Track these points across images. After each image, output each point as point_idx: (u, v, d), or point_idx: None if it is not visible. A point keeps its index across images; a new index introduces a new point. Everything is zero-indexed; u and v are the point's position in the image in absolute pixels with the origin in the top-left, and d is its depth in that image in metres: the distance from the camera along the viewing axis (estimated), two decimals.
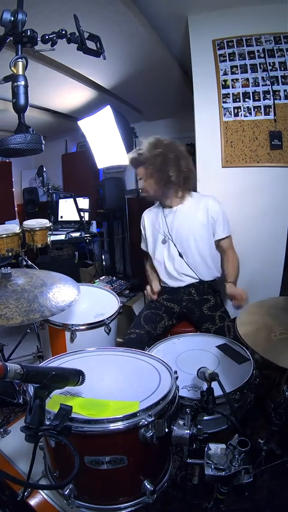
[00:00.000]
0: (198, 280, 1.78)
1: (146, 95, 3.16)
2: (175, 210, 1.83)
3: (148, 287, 1.90)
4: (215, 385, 0.96)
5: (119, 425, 0.76)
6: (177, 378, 0.96)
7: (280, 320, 1.14)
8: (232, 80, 1.99)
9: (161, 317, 1.74)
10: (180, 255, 1.78)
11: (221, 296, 1.85)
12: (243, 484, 0.84)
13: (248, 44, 1.94)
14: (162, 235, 1.84)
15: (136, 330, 1.65)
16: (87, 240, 3.28)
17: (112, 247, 3.97)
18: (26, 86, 0.93)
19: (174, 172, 1.73)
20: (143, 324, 1.68)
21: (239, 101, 1.99)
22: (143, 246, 2.03)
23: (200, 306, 1.73)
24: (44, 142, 0.98)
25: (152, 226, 1.92)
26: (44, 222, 2.34)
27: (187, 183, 1.81)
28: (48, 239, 2.38)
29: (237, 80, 1.98)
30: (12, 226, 2.23)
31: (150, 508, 0.86)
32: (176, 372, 0.97)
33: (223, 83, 2.00)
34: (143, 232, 2.01)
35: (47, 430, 0.70)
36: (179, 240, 1.79)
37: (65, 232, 3.20)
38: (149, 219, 1.95)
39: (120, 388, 0.95)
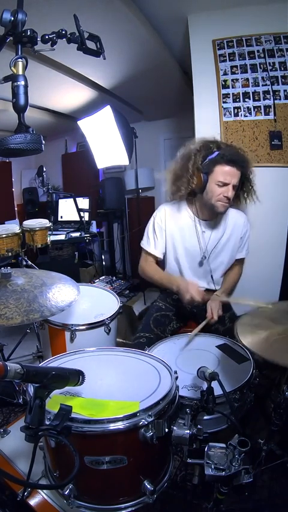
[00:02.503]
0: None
1: (146, 95, 3.17)
2: (213, 225, 1.65)
3: (191, 289, 1.51)
4: (215, 384, 0.96)
5: (119, 425, 0.76)
6: (177, 377, 0.95)
7: (280, 324, 1.14)
8: (232, 80, 1.99)
9: (170, 319, 1.70)
10: (212, 278, 1.68)
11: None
12: (243, 484, 0.84)
13: (248, 44, 1.94)
14: (200, 256, 1.64)
15: (146, 334, 1.59)
16: (87, 240, 3.28)
17: (112, 247, 3.98)
18: (26, 86, 0.93)
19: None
20: (153, 327, 1.63)
21: (239, 101, 1.99)
22: (148, 247, 1.73)
23: None
24: (44, 142, 0.97)
25: (181, 237, 1.66)
26: (44, 222, 2.34)
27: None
28: (48, 239, 2.38)
29: (237, 80, 1.98)
30: (12, 226, 2.23)
31: (150, 508, 0.86)
32: (176, 372, 0.97)
33: (223, 83, 2.00)
34: (156, 234, 1.70)
35: (47, 430, 0.70)
36: (214, 262, 1.67)
37: (65, 232, 3.20)
38: (176, 224, 1.66)
39: (120, 388, 0.95)
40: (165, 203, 1.74)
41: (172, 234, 1.67)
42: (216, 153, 1.53)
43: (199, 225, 1.65)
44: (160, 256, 1.73)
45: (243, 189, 1.64)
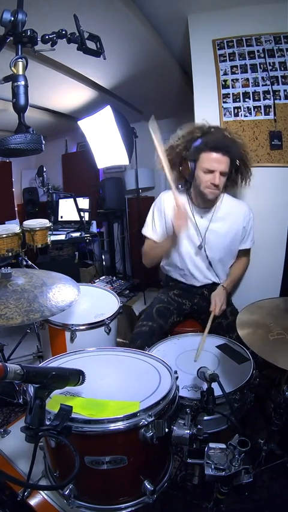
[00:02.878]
0: (212, 282, 1.76)
1: (146, 95, 3.16)
2: (212, 213, 1.65)
3: (177, 216, 1.51)
4: (215, 385, 0.96)
5: (119, 425, 0.76)
6: (177, 378, 0.96)
7: (279, 321, 1.14)
8: (232, 80, 1.99)
9: (171, 312, 1.71)
10: (210, 265, 1.68)
11: (230, 294, 1.82)
12: (243, 484, 0.84)
13: (248, 44, 1.94)
14: (198, 242, 1.66)
15: (149, 323, 1.60)
16: (87, 240, 3.28)
17: (112, 247, 3.98)
18: (26, 86, 0.93)
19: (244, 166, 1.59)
20: (155, 317, 1.64)
21: (239, 101, 1.99)
22: (148, 233, 1.76)
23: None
24: (44, 142, 0.97)
25: None
26: (44, 222, 2.34)
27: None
28: (48, 239, 2.38)
29: (237, 80, 1.98)
30: (12, 226, 2.23)
31: (150, 508, 0.86)
32: (176, 372, 0.97)
33: (223, 83, 2.00)
34: (155, 218, 1.73)
35: (47, 430, 0.70)
36: (212, 249, 1.67)
37: (65, 232, 3.20)
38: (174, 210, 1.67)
39: (120, 388, 0.95)
40: (164, 191, 1.77)
41: (171, 220, 1.68)
42: (199, 140, 1.53)
43: (195, 212, 1.66)
44: (159, 240, 1.74)
45: (240, 173, 1.63)
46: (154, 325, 1.60)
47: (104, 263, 3.81)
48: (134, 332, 1.61)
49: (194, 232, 1.67)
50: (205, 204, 1.66)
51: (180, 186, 1.72)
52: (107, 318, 1.46)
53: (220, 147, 1.48)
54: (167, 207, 1.69)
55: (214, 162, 1.49)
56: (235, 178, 1.65)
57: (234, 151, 1.53)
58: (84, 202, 3.59)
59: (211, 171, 1.50)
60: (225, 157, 1.50)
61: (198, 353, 1.35)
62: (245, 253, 1.81)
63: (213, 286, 1.75)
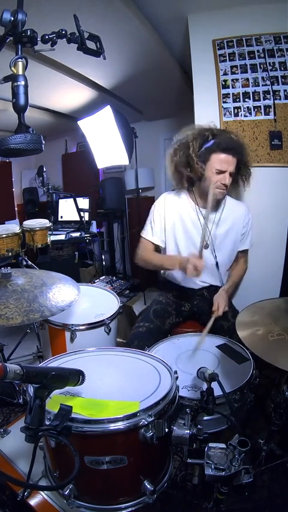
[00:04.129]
0: (210, 285, 1.75)
1: (146, 95, 3.16)
2: (218, 215, 1.66)
3: (192, 260, 1.46)
4: (214, 385, 0.96)
5: (119, 425, 0.76)
6: (177, 378, 0.96)
7: (279, 321, 1.14)
8: (232, 80, 1.99)
9: (169, 313, 1.71)
10: (217, 266, 1.66)
11: (231, 296, 1.82)
12: (243, 484, 0.84)
13: (248, 44, 1.94)
14: (203, 241, 1.61)
15: (146, 324, 1.60)
16: (87, 240, 3.28)
17: (112, 247, 3.98)
18: (26, 86, 0.93)
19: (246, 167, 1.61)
20: (153, 317, 1.64)
21: (239, 101, 1.99)
22: (146, 235, 1.74)
23: (211, 305, 1.65)
24: (44, 142, 0.97)
25: (181, 224, 1.67)
26: (44, 222, 2.34)
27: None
28: (48, 239, 2.38)
29: (237, 80, 1.98)
30: (12, 226, 2.23)
31: (150, 508, 0.86)
32: (176, 372, 0.97)
33: (223, 83, 2.00)
34: (154, 220, 1.71)
35: (47, 430, 0.70)
36: (219, 250, 1.67)
37: (65, 232, 3.20)
38: (176, 211, 1.67)
39: (120, 388, 0.95)
40: (166, 192, 1.77)
41: (172, 221, 1.68)
42: (212, 141, 1.55)
43: (200, 213, 1.66)
44: (158, 242, 1.73)
45: (240, 174, 1.66)
46: (151, 325, 1.59)
47: (104, 263, 3.81)
48: (131, 333, 1.61)
49: (196, 232, 1.66)
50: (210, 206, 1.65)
51: (179, 186, 1.71)
52: (107, 318, 1.46)
53: (231, 149, 1.52)
54: (167, 210, 1.68)
55: (225, 163, 1.53)
56: (237, 179, 1.66)
57: (241, 153, 1.57)
58: (84, 202, 3.59)
59: (222, 172, 1.53)
60: (234, 159, 1.54)
61: (199, 345, 1.38)
62: (243, 255, 1.81)
63: (211, 287, 1.75)
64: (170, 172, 1.69)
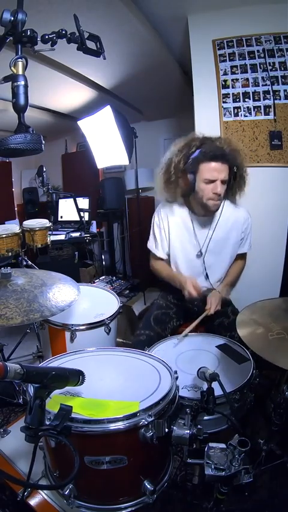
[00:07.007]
0: (207, 288, 1.74)
1: (146, 95, 3.17)
2: (213, 221, 1.64)
3: (189, 285, 1.55)
4: (215, 385, 0.96)
5: (119, 425, 0.76)
6: (177, 378, 0.96)
7: (279, 320, 1.15)
8: (232, 80, 1.99)
9: (170, 318, 1.71)
10: (207, 275, 1.67)
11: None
12: (243, 484, 0.84)
13: (248, 44, 1.94)
14: (195, 252, 1.66)
15: (146, 331, 1.59)
16: (87, 240, 3.28)
17: (112, 247, 3.98)
18: (26, 86, 0.93)
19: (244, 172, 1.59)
20: (153, 325, 1.63)
21: (239, 101, 1.99)
22: (152, 249, 1.77)
23: None
24: (44, 142, 0.97)
25: (177, 234, 1.68)
26: (44, 222, 2.34)
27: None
28: (48, 239, 2.38)
29: (237, 80, 1.98)
30: (12, 226, 2.23)
31: (150, 508, 0.86)
32: (176, 372, 0.97)
33: (223, 83, 2.00)
34: (156, 234, 1.74)
35: (47, 430, 0.70)
36: (212, 257, 1.66)
37: (65, 232, 3.20)
38: (174, 221, 1.68)
39: (120, 388, 0.95)
40: (161, 204, 1.76)
41: (170, 231, 1.69)
42: (198, 151, 1.52)
43: (195, 222, 1.66)
44: (164, 256, 1.75)
45: (236, 179, 1.62)
46: (152, 333, 1.59)
47: (103, 263, 3.81)
48: (132, 341, 1.61)
49: (192, 241, 1.66)
50: (206, 213, 1.64)
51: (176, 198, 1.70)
52: (107, 318, 1.46)
53: (219, 156, 1.48)
54: (165, 220, 1.69)
55: (214, 171, 1.48)
56: (233, 184, 1.64)
57: (232, 159, 1.53)
58: (84, 202, 3.59)
59: (212, 181, 1.50)
60: (225, 165, 1.50)
61: (186, 332, 1.47)
62: (241, 256, 1.81)
63: (212, 289, 1.74)
64: (160, 190, 1.67)
